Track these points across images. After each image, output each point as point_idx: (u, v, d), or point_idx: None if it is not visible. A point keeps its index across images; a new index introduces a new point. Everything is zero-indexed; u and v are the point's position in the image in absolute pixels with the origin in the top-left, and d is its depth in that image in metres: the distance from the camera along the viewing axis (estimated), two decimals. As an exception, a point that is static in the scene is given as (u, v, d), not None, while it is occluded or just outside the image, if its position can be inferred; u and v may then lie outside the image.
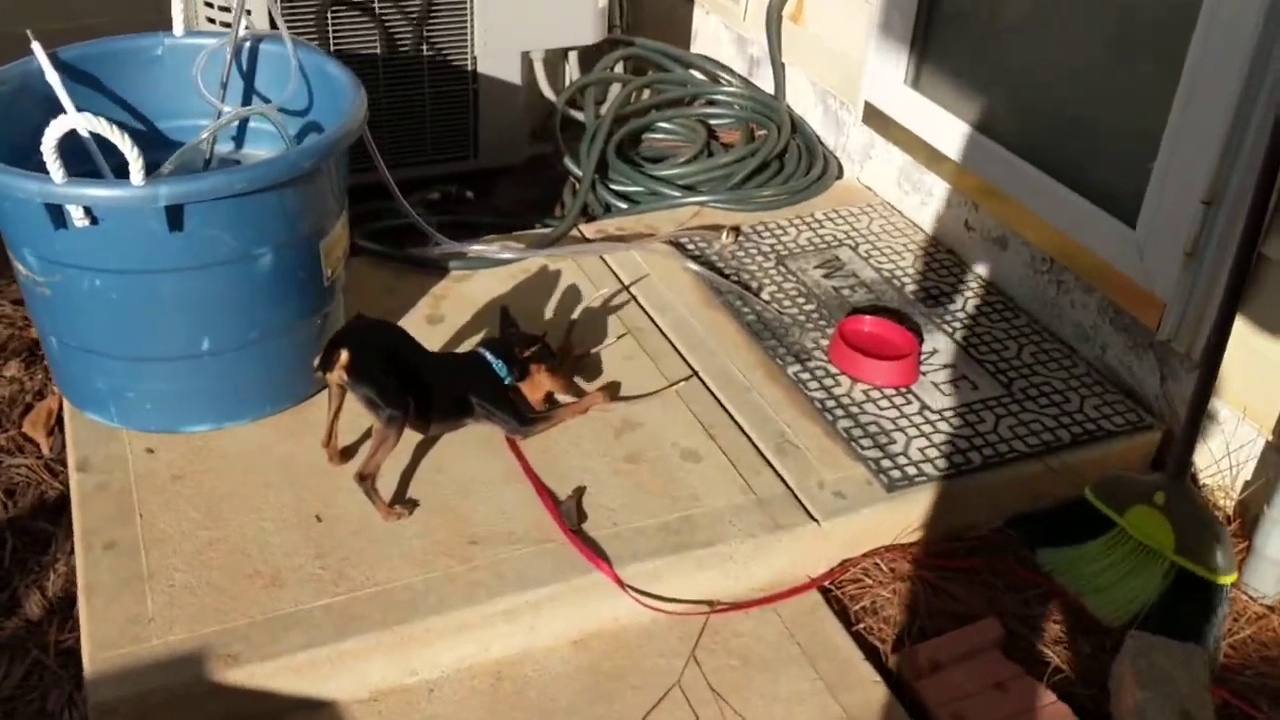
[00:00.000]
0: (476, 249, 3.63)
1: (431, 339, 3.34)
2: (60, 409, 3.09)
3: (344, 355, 2.66)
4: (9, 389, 3.35)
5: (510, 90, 4.29)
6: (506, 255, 3.64)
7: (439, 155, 4.32)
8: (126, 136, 2.48)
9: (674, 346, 3.42)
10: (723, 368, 3.32)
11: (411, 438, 2.94)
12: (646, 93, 4.74)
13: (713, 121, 4.67)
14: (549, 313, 3.55)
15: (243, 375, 2.92)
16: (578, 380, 3.24)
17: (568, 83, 4.54)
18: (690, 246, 3.88)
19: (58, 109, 2.96)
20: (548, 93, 4.41)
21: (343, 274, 3.13)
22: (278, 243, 2.78)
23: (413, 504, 2.81)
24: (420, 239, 3.72)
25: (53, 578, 2.78)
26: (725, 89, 4.70)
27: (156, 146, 3.19)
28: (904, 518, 2.95)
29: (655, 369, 3.32)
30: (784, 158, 4.39)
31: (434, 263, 3.66)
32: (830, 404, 3.07)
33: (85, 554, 2.64)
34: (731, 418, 3.15)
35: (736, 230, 3.95)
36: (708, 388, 3.26)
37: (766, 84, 4.73)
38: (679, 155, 4.39)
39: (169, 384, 2.88)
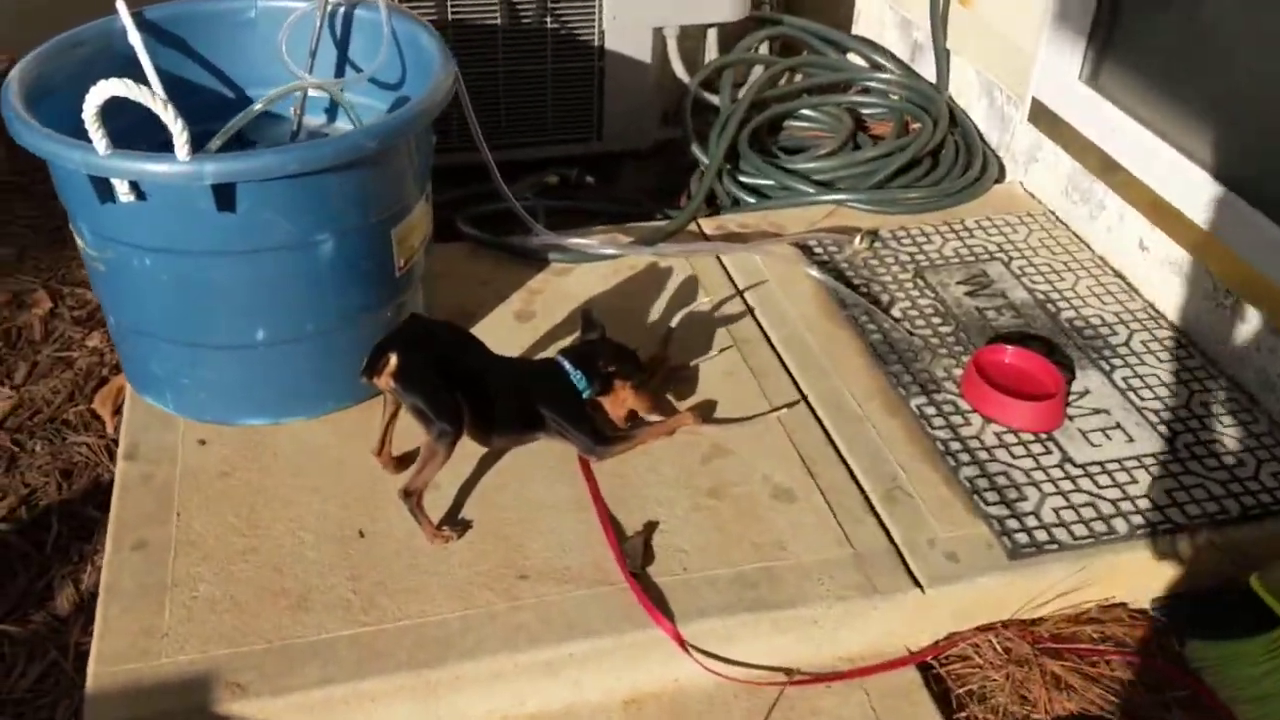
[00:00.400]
0: (576, 242, 3.31)
1: (518, 338, 3.07)
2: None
3: (392, 360, 2.39)
4: (88, 360, 3.23)
5: (639, 69, 3.96)
6: (609, 250, 3.32)
7: (560, 136, 4.03)
8: (170, 106, 2.25)
9: (783, 364, 3.05)
10: (835, 393, 2.93)
11: (475, 450, 2.67)
12: (794, 77, 4.33)
13: (864, 111, 4.24)
14: (649, 316, 3.22)
15: (302, 369, 2.69)
16: (669, 396, 2.90)
17: (705, 63, 4.16)
18: (818, 250, 3.49)
19: (140, 73, 2.79)
20: (681, 73, 4.06)
21: (422, 261, 2.87)
22: (341, 229, 2.53)
23: (464, 526, 2.53)
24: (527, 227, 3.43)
25: (89, 571, 2.63)
26: (880, 75, 4.26)
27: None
28: (1028, 590, 2.52)
29: (758, 389, 2.96)
30: (938, 155, 3.94)
31: (533, 253, 3.38)
32: (955, 446, 2.65)
33: (113, 553, 2.46)
34: (838, 453, 2.77)
35: (873, 235, 3.53)
36: (815, 415, 2.88)
37: (930, 74, 4.26)
38: (820, 147, 3.97)
39: (223, 373, 2.68)
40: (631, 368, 2.71)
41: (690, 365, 3.02)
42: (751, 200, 3.80)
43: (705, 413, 2.85)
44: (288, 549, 2.48)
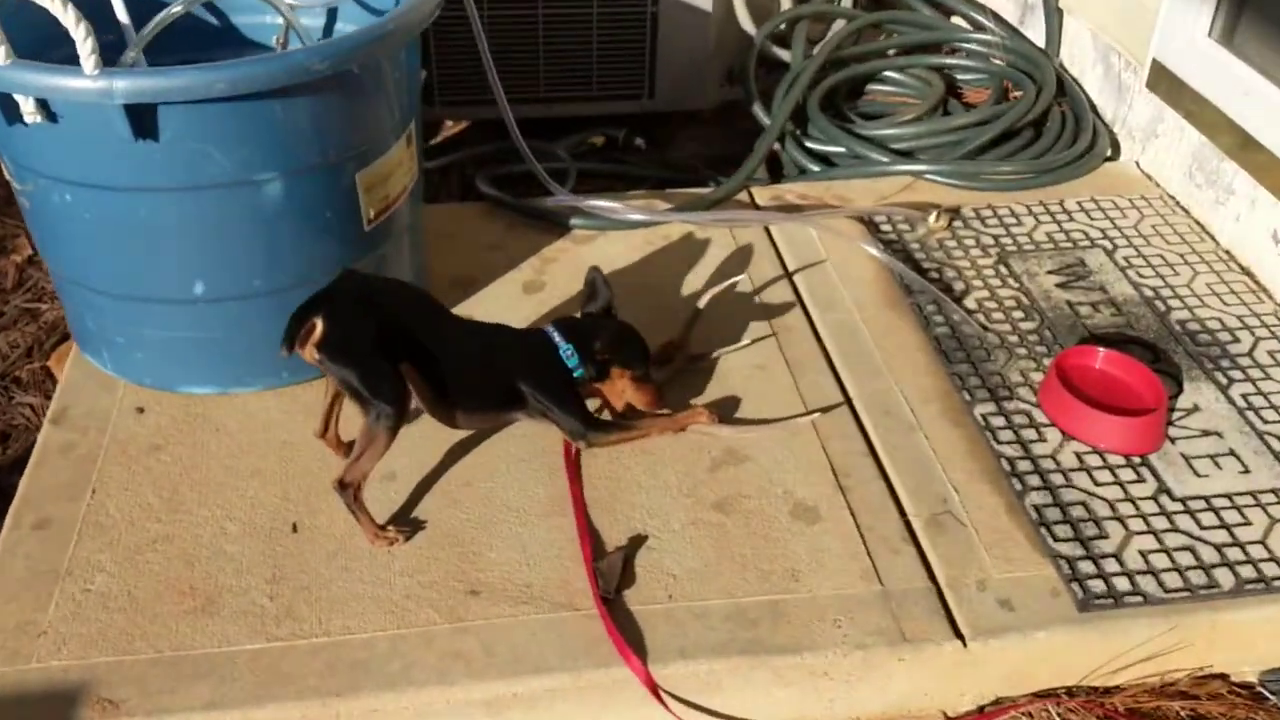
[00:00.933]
0: (599, 204, 2.87)
1: (520, 311, 2.67)
2: (78, 345, 2.60)
3: (318, 327, 1.99)
4: (56, 314, 2.91)
5: (698, 17, 3.51)
6: (637, 216, 2.87)
7: (606, 91, 3.62)
8: (72, 10, 1.88)
9: (827, 358, 2.57)
10: (886, 395, 2.45)
11: (445, 435, 2.26)
12: (879, 34, 3.82)
13: (959, 77, 3.71)
14: (676, 294, 2.77)
15: (253, 332, 2.32)
16: (685, 389, 2.45)
17: (776, 13, 3.68)
18: (886, 228, 2.99)
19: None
20: (747, 23, 3.60)
21: (406, 215, 2.47)
22: (291, 168, 2.15)
23: (414, 526, 2.13)
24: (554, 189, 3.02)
25: (-1, 549, 2.27)
26: (979, 35, 3.71)
27: (228, 44, 2.65)
28: (1101, 651, 2.01)
29: (792, 385, 2.48)
30: (1042, 126, 3.41)
31: (553, 216, 2.95)
32: (1023, 466, 2.17)
33: (10, 531, 2.14)
34: (879, 466, 2.28)
35: (953, 213, 3.02)
36: (858, 420, 2.40)
37: (1038, 36, 3.71)
38: (903, 114, 3.46)
39: (160, 331, 2.33)
40: (633, 355, 2.27)
41: (714, 355, 2.55)
42: (817, 169, 3.31)
43: (724, 411, 2.40)
44: (206, 540, 2.11)
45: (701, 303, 2.60)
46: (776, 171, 3.42)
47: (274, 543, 2.11)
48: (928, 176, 3.14)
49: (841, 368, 2.56)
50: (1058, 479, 2.25)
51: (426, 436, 2.31)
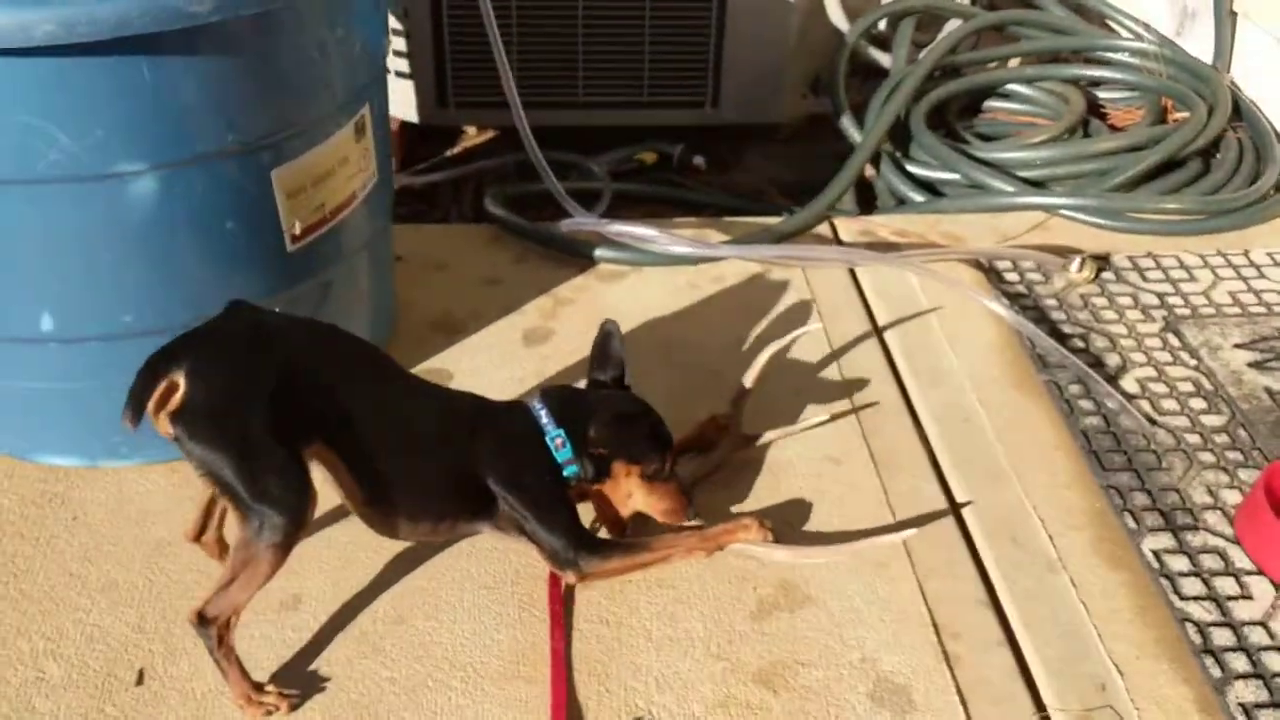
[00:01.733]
0: (631, 230, 2.19)
1: (517, 368, 1.98)
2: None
3: (179, 386, 1.33)
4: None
5: (777, 9, 2.81)
6: (680, 248, 2.17)
7: (660, 98, 2.96)
8: None
9: (929, 452, 1.85)
10: (1012, 512, 1.72)
11: (378, 544, 1.58)
12: (1003, 39, 3.09)
13: (1103, 94, 2.97)
14: (723, 356, 2.06)
15: (126, 385, 1.63)
16: (726, 489, 1.75)
17: (875, 7, 2.98)
18: (1012, 276, 2.26)
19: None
20: (837, 18, 2.90)
21: (361, 235, 1.84)
22: (167, 157, 1.51)
23: (311, 686, 1.45)
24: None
25: None
26: (1129, 43, 2.97)
27: None
28: None
29: (879, 490, 1.77)
30: (1212, 156, 2.67)
31: (573, 246, 2.27)
32: (1222, 638, 1.49)
33: None
34: (1003, 623, 1.56)
35: (1102, 261, 2.28)
36: (971, 546, 1.67)
37: (1201, 48, 2.96)
38: (1032, 136, 2.73)
39: (2, 381, 1.66)
40: (644, 445, 1.58)
41: (770, 440, 1.84)
42: (921, 200, 2.59)
43: (780, 525, 1.68)
44: (9, 692, 1.44)
45: (757, 368, 1.88)
46: (869, 202, 2.73)
47: (105, 699, 1.44)
48: (1065, 213, 2.45)
49: (949, 468, 1.83)
50: (1275, 659, 1.48)
51: (352, 545, 1.63)
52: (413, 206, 2.79)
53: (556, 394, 1.65)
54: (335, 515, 1.68)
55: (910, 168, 2.68)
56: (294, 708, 1.43)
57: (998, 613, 1.60)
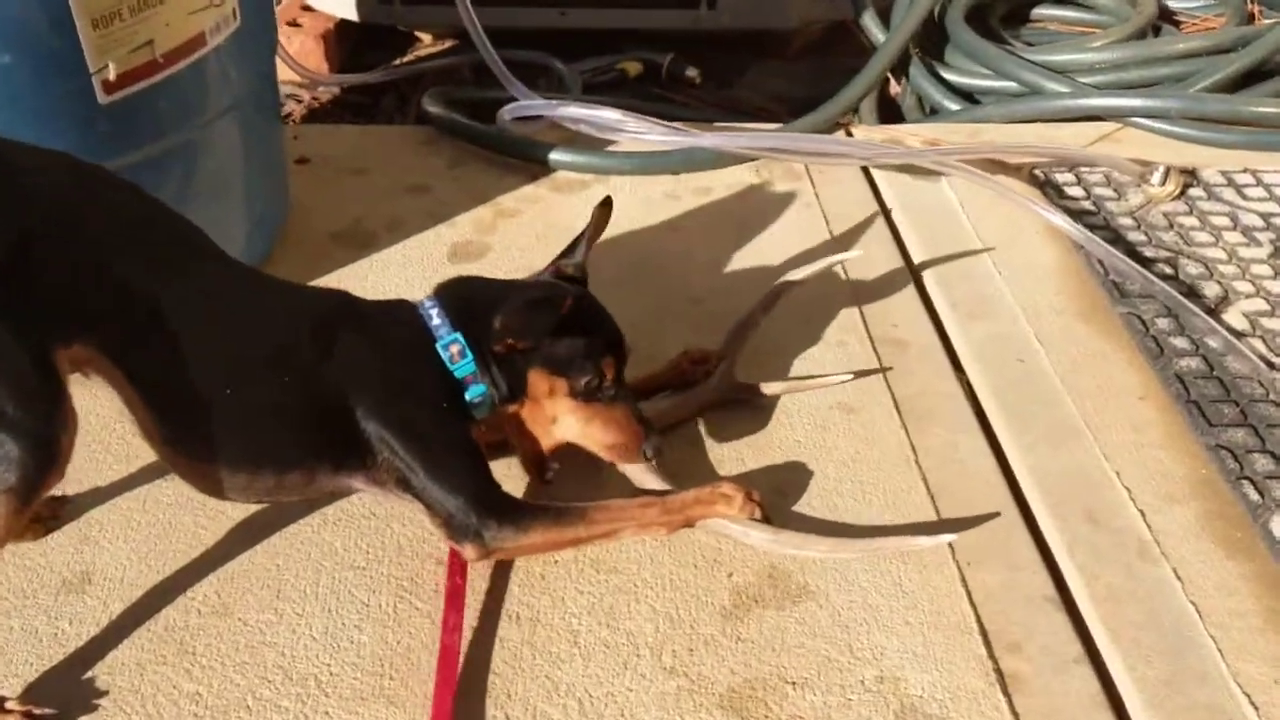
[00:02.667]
0: (587, 116, 1.73)
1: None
2: None
3: None
4: None
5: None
6: (655, 136, 1.71)
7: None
8: None
9: (970, 398, 1.37)
10: (1087, 478, 1.28)
11: (212, 506, 1.12)
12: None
13: (1175, 1, 2.49)
14: (707, 277, 1.60)
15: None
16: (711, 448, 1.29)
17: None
18: (1075, 192, 1.79)
19: None
20: (859, -100, 2.42)
21: (221, 99, 1.36)
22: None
23: (79, 701, 0.98)
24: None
25: None
26: (1210, -64, 2.49)
27: None
28: None
29: (904, 448, 1.29)
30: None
31: (518, 148, 1.80)
32: None
33: None
34: (1079, 630, 1.07)
35: (1188, 176, 1.80)
36: (1031, 524, 1.19)
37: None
38: (1089, 40, 2.26)
39: None
40: (575, 350, 1.11)
41: (770, 392, 1.37)
42: (956, 109, 2.12)
43: (773, 494, 1.20)
44: None
45: (765, 298, 1.42)
46: (892, 118, 2.24)
47: None
48: (1141, 120, 1.91)
49: (999, 421, 1.36)
50: None
51: (173, 507, 1.18)
52: (350, 122, 2.33)
53: (456, 287, 1.19)
54: (155, 464, 1.22)
55: (946, 74, 2.20)
56: (45, 733, 0.98)
57: (1072, 616, 1.14)
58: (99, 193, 1.04)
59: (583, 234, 1.28)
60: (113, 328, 1.00)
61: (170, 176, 1.36)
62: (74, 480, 1.23)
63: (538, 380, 1.13)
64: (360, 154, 1.89)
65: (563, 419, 1.16)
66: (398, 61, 2.53)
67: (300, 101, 2.36)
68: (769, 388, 1.38)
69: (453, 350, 1.12)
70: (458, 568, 1.12)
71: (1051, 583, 1.17)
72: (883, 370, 1.44)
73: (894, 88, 2.43)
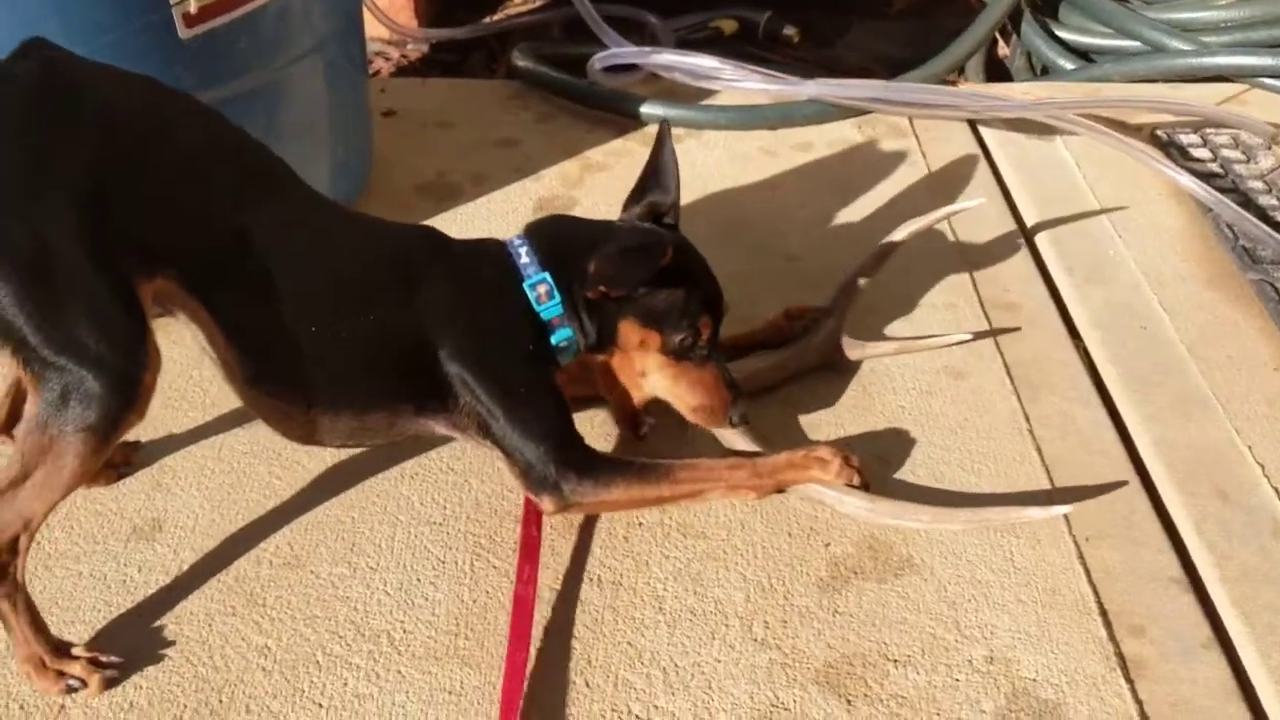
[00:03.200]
0: (683, 63, 1.66)
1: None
2: None
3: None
4: None
5: None
6: (753, 84, 1.65)
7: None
8: None
9: (1088, 366, 1.27)
10: (1219, 454, 1.19)
11: (287, 454, 1.08)
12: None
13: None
14: (806, 236, 1.52)
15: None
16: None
17: None
18: (1201, 154, 1.68)
19: None
20: None
21: (304, 40, 1.31)
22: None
23: (140, 655, 0.94)
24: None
25: None
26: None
27: None
28: None
29: (1016, 416, 1.20)
30: None
31: (609, 101, 1.74)
32: None
33: None
34: (1209, 613, 0.97)
35: (1325, 139, 1.68)
36: (1155, 499, 1.09)
37: None
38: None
39: None
40: (671, 304, 1.05)
41: (871, 353, 1.29)
42: (1071, 68, 2.00)
43: (870, 462, 1.13)
44: None
45: (870, 257, 1.33)
46: (1000, 80, 2.13)
47: None
48: (1268, 81, 1.80)
49: (1119, 390, 1.26)
50: None
51: (248, 456, 1.14)
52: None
53: (547, 226, 1.13)
54: (231, 411, 1.19)
55: (1060, 31, 2.08)
56: (108, 685, 0.94)
57: (1201, 599, 1.04)
58: (181, 118, 1.00)
59: (655, 163, 1.18)
60: (195, 259, 0.96)
61: (251, 118, 1.30)
62: (149, 426, 1.19)
63: (629, 331, 1.07)
64: (447, 107, 1.84)
65: (651, 374, 1.09)
66: (487, 19, 2.48)
67: (389, 59, 2.32)
68: (877, 348, 1.30)
69: (540, 290, 1.06)
70: (534, 519, 1.06)
71: (1178, 562, 1.07)
72: (994, 334, 1.35)
73: (1002, 49, 2.32)
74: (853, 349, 1.29)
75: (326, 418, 1.03)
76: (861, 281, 1.31)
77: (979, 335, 1.33)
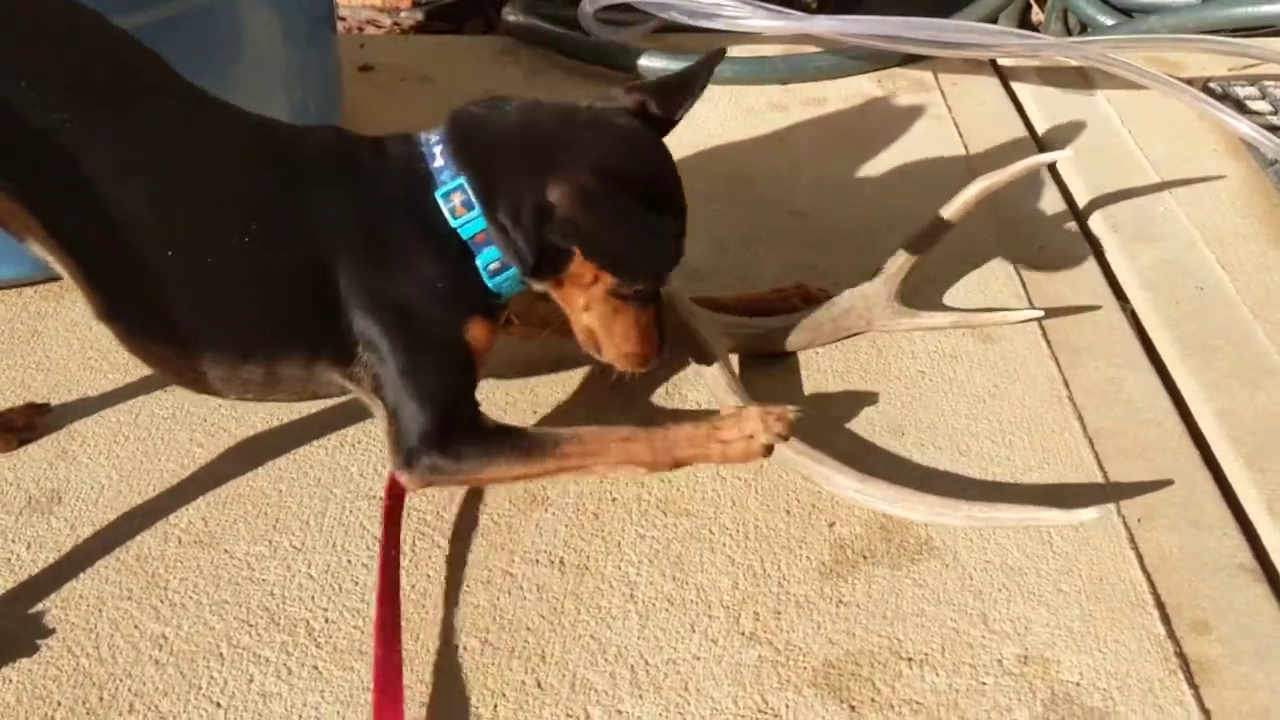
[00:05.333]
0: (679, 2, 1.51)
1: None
2: None
3: None
4: None
5: None
6: (760, 21, 1.49)
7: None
8: None
9: (1137, 330, 1.10)
10: None
11: (213, 416, 0.94)
12: None
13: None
14: (815, 192, 1.37)
15: None
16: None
17: None
18: (1260, 106, 1.51)
19: None
20: None
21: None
22: None
23: (29, 635, 0.78)
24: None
25: None
26: None
27: None
28: None
29: (1054, 378, 1.03)
30: None
31: (603, 54, 1.60)
32: None
33: None
34: (1292, 612, 0.81)
35: (1400, 92, 1.50)
36: (1219, 479, 0.92)
37: None
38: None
39: None
40: (646, 248, 0.89)
41: (930, 325, 1.13)
42: (1111, 24, 1.84)
43: (887, 434, 0.97)
44: None
45: (931, 229, 1.16)
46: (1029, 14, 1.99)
47: None
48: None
49: (1174, 357, 1.10)
50: None
51: (168, 421, 1.01)
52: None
53: (473, 114, 0.92)
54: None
55: (1102, -12, 1.91)
56: (-23, 670, 0.80)
57: (1276, 590, 0.88)
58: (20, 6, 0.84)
59: (691, 75, 0.97)
60: (33, 174, 0.80)
61: (193, 46, 1.17)
62: (61, 387, 1.05)
63: (583, 267, 0.90)
64: (429, 62, 1.70)
65: (592, 308, 0.92)
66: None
67: (380, 27, 2.18)
68: (931, 318, 1.13)
69: (455, 200, 0.88)
70: (396, 493, 0.89)
71: (1248, 547, 0.91)
72: (1025, 283, 1.19)
73: (1036, 15, 2.16)
74: (901, 318, 1.12)
75: (206, 362, 0.86)
76: (922, 245, 1.13)
77: (1044, 316, 1.15)
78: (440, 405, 0.86)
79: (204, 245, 0.84)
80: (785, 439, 0.90)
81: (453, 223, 0.88)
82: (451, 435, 0.86)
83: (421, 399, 0.86)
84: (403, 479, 0.87)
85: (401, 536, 0.88)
